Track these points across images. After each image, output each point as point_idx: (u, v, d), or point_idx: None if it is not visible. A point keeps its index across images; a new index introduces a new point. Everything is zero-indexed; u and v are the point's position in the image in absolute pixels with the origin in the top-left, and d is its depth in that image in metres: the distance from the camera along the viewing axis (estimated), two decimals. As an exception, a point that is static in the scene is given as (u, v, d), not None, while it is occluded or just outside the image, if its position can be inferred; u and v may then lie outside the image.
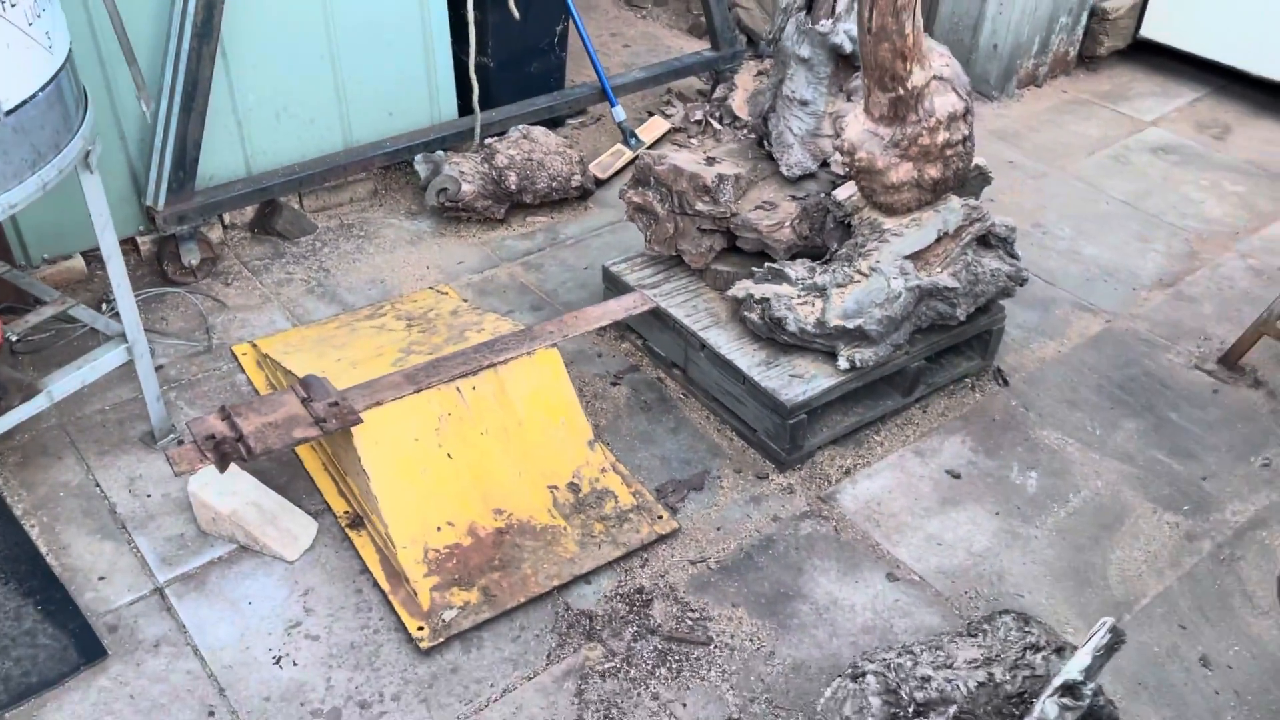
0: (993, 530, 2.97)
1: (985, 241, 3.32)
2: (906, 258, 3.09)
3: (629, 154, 4.49)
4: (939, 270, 3.14)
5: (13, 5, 2.19)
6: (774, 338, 3.15)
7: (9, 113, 2.22)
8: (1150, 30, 5.56)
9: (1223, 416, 3.38)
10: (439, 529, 2.73)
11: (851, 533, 2.95)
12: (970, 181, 3.29)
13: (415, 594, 2.64)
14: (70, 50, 2.50)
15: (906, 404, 3.35)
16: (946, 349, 3.42)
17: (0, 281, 3.13)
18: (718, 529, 2.95)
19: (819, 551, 2.89)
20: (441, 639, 2.57)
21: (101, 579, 2.71)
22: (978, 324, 3.38)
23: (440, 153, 4.15)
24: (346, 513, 2.89)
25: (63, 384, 2.77)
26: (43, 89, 2.31)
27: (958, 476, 3.14)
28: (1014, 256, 3.35)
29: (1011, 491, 3.10)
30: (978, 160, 3.28)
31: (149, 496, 2.93)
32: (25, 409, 2.69)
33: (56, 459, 3.04)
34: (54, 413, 3.14)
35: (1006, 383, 3.51)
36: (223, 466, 2.57)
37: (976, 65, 5.28)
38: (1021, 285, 3.36)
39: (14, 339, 2.81)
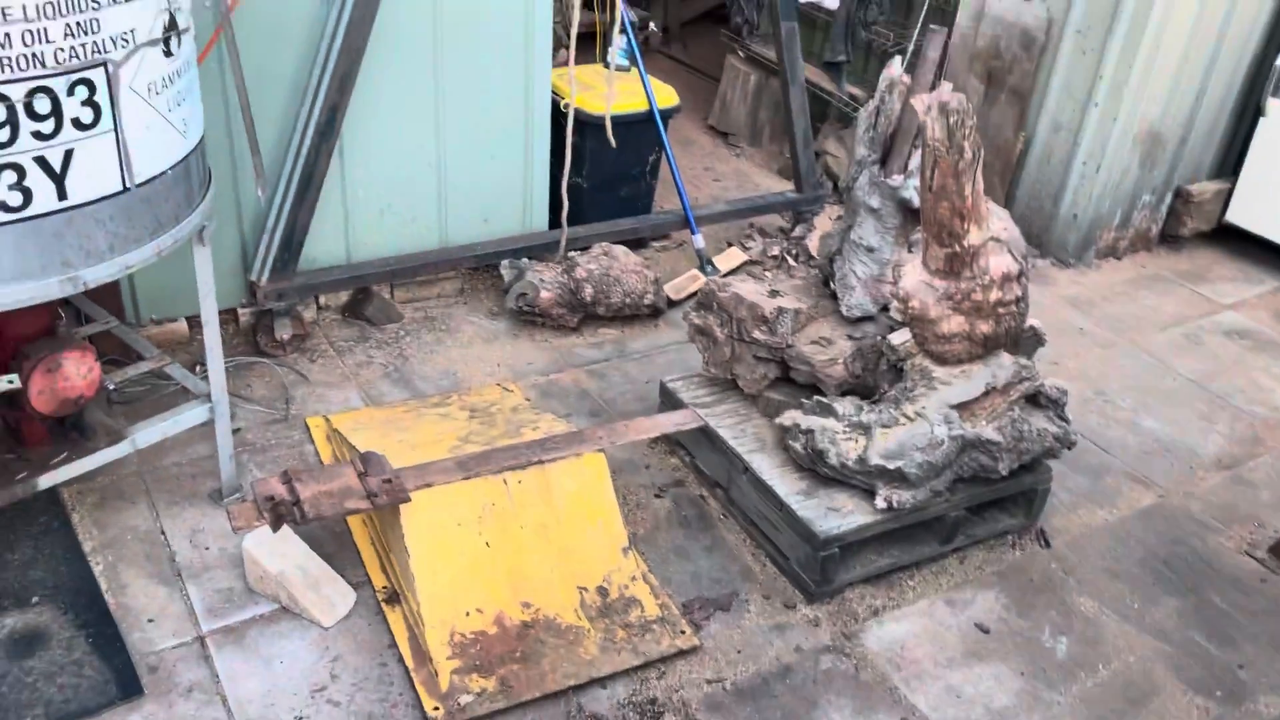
0: (1015, 690, 2.95)
1: (1036, 401, 3.38)
2: (953, 406, 3.17)
3: (703, 280, 4.68)
4: (984, 423, 3.21)
5: (157, 94, 2.50)
6: (815, 469, 3.24)
7: (139, 185, 2.50)
8: (1235, 216, 5.62)
9: (1267, 606, 3.31)
10: (468, 614, 2.84)
11: (871, 673, 2.96)
12: (1024, 341, 3.37)
13: (436, 674, 2.74)
14: (203, 137, 2.80)
15: (943, 552, 3.37)
16: (989, 503, 3.45)
17: (109, 335, 3.41)
18: (739, 651, 2.99)
19: (836, 688, 2.90)
20: (454, 721, 2.65)
21: (151, 621, 2.87)
22: (1022, 481, 3.41)
23: (525, 260, 4.40)
24: (385, 587, 3.02)
25: (146, 433, 3.00)
26: (172, 167, 2.60)
27: (987, 631, 3.14)
28: (1064, 419, 3.39)
29: (1040, 654, 3.08)
30: (1033, 322, 3.37)
31: (207, 549, 3.11)
32: (108, 453, 2.92)
33: (130, 504, 3.25)
34: (135, 460, 3.36)
35: (1049, 544, 3.50)
36: (276, 526, 2.74)
37: (1055, 232, 5.40)
38: (1069, 448, 3.40)
39: (111, 388, 3.05)
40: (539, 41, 4.28)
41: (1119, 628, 3.19)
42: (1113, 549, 3.52)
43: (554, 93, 4.45)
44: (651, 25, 7.14)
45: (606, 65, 4.89)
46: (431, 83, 4.08)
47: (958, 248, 3.03)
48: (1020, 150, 5.39)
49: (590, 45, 5.52)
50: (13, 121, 2.23)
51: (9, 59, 2.18)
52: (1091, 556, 3.47)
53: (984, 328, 3.14)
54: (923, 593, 3.26)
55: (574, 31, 4.47)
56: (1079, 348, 4.69)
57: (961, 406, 3.19)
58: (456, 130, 4.23)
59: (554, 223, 4.57)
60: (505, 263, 4.41)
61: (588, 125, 4.52)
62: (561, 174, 4.38)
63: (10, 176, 2.27)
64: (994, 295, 3.08)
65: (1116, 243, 5.54)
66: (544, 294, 4.28)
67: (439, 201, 4.34)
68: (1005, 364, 3.24)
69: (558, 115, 4.46)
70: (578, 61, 4.53)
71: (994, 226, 3.08)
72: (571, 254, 4.44)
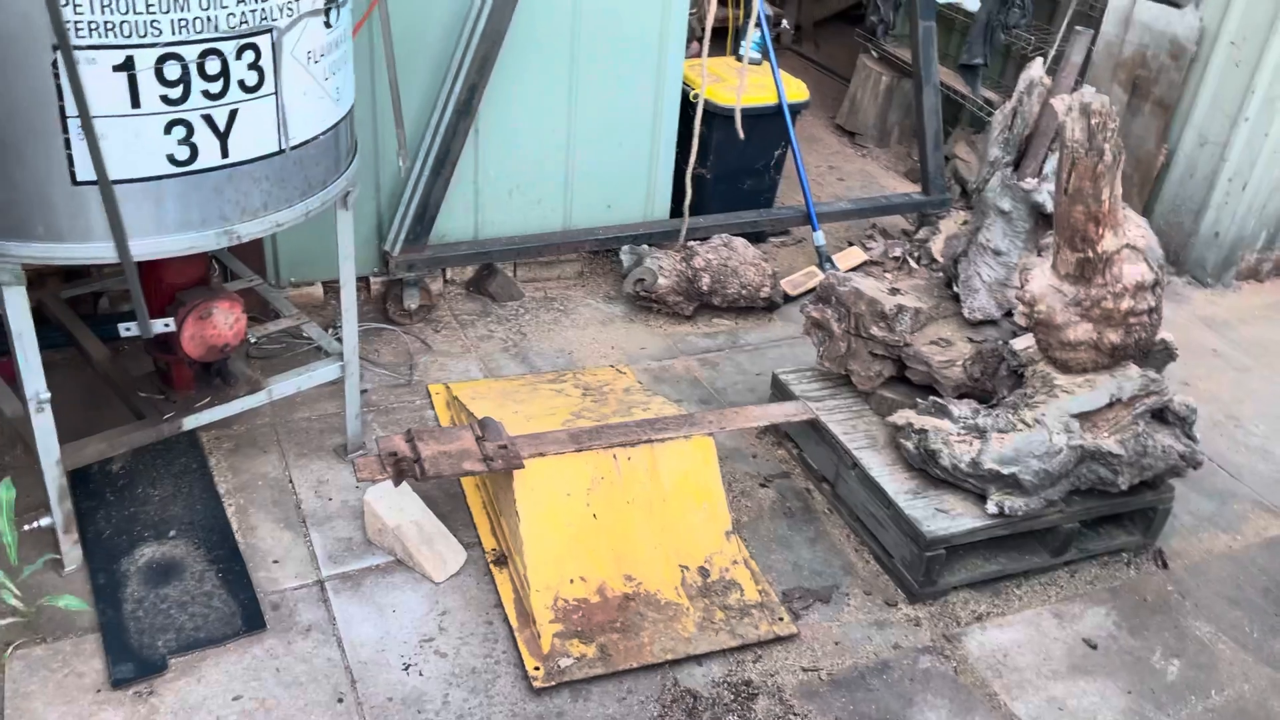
0: (1121, 708, 2.87)
1: (1162, 417, 3.28)
2: (1074, 416, 3.10)
3: (821, 277, 4.67)
4: (1106, 435, 3.13)
5: (315, 63, 2.63)
6: (926, 470, 3.21)
7: (294, 147, 2.65)
8: (1393, 242, 5.31)
9: (1403, 648, 3.15)
10: (571, 581, 2.91)
11: (971, 678, 2.92)
12: (1154, 355, 3.28)
13: (539, 636, 2.82)
14: (353, 106, 2.94)
15: (1054, 564, 3.30)
16: (1105, 518, 3.36)
17: (251, 292, 3.60)
18: (836, 643, 2.99)
19: (934, 688, 2.88)
20: (554, 683, 2.72)
21: (276, 562, 3.03)
22: (1142, 498, 3.31)
23: (645, 246, 4.47)
24: (494, 550, 3.12)
25: (282, 386, 3.16)
26: (324, 133, 2.74)
27: (1094, 647, 3.06)
28: (1191, 438, 3.28)
29: (1149, 674, 2.99)
30: (1164, 335, 3.27)
31: (330, 500, 3.26)
32: (248, 400, 3.09)
33: (262, 452, 3.43)
34: (269, 412, 3.55)
35: (1166, 565, 3.40)
36: (397, 481, 2.87)
37: (1194, 250, 5.20)
38: (1195, 468, 3.29)
39: (252, 341, 3.23)
40: (674, 32, 4.34)
41: (1235, 655, 3.07)
42: (1234, 576, 3.39)
43: (684, 83, 4.50)
44: (784, 22, 7.13)
45: (738, 58, 4.92)
46: (567, 68, 4.18)
47: (1090, 253, 2.96)
48: (1162, 163, 5.21)
49: (722, 39, 5.56)
50: (186, 80, 2.38)
51: (186, 20, 2.33)
52: (1211, 582, 3.35)
53: (1112, 337, 3.06)
54: (1029, 603, 3.20)
55: (709, 24, 4.50)
56: (1212, 369, 4.51)
57: (1083, 416, 3.12)
58: (587, 116, 4.31)
59: (675, 211, 4.62)
60: (625, 248, 4.48)
61: (716, 116, 4.56)
62: (686, 164, 4.43)
63: (180, 132, 2.42)
64: (1125, 304, 3.00)
65: (1260, 264, 5.30)
66: (662, 281, 4.34)
67: (565, 185, 4.44)
68: (1132, 376, 3.15)
69: (686, 106, 4.51)
70: (709, 54, 4.57)
71: (1130, 233, 3.00)
72: (691, 243, 4.48)
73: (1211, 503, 3.71)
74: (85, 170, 2.36)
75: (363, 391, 3.64)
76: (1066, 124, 2.84)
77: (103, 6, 2.24)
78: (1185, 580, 3.35)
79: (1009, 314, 3.48)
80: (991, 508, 3.10)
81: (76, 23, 2.23)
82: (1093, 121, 2.81)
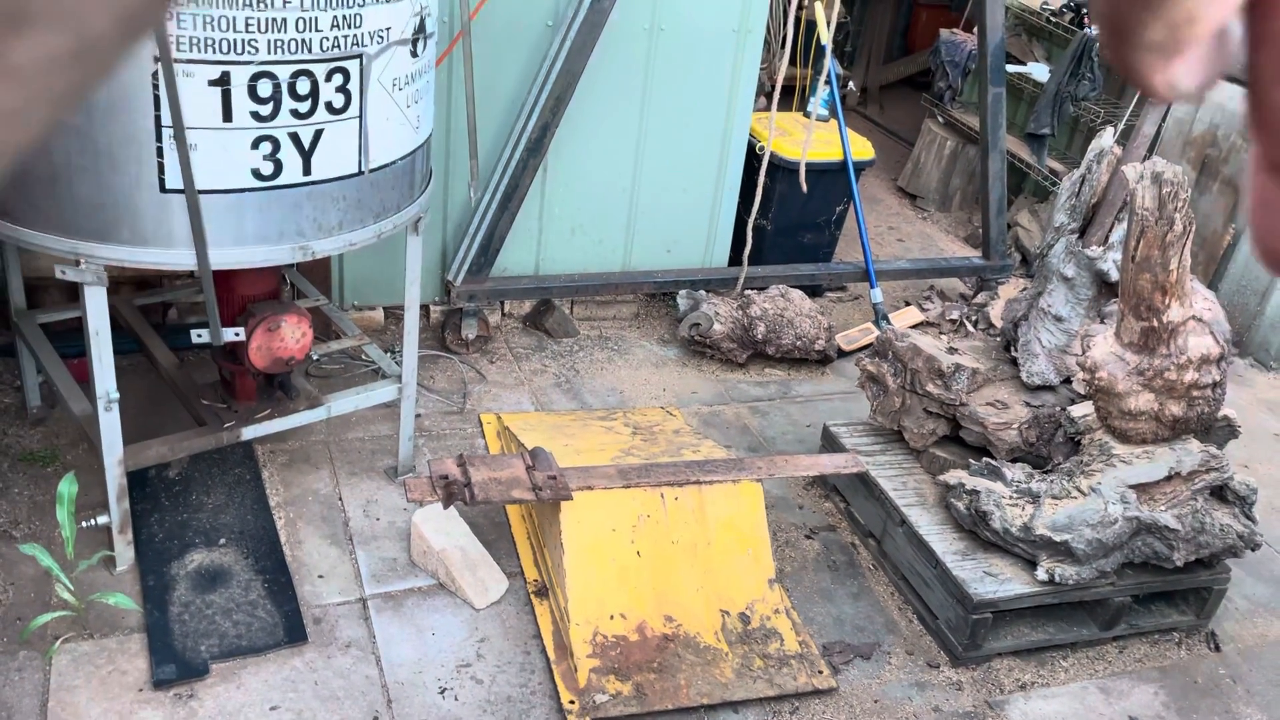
0: (1167, 791, 2.79)
1: (1221, 495, 3.21)
2: (1131, 487, 3.06)
3: (876, 334, 4.66)
4: (1162, 508, 3.07)
5: (399, 90, 2.72)
6: (976, 531, 3.17)
7: (372, 170, 2.72)
8: None
9: None
10: (611, 617, 2.90)
11: (1012, 747, 2.86)
12: (1216, 430, 3.22)
13: (575, 670, 2.81)
14: (430, 135, 3.02)
15: (1103, 638, 3.23)
16: (1158, 595, 3.29)
17: (317, 311, 3.68)
18: (875, 701, 2.94)
19: (973, 755, 2.82)
20: (588, 718, 2.70)
21: (320, 577, 3.06)
22: (1197, 577, 3.24)
23: (702, 292, 4.50)
24: (536, 581, 3.12)
25: (341, 403, 3.21)
26: (402, 158, 2.81)
27: (1141, 726, 2.98)
28: (1250, 518, 3.21)
29: (1198, 759, 2.90)
30: (1227, 411, 3.22)
31: (377, 520, 3.29)
32: (307, 415, 3.14)
33: (315, 469, 3.48)
34: (323, 429, 3.61)
35: (1218, 648, 3.30)
36: (447, 503, 2.89)
37: (1258, 333, 5.12)
38: (1253, 549, 3.21)
39: (315, 358, 3.29)
40: (744, 86, 4.40)
41: (1291, 748, 2.98)
42: (1291, 665, 3.29)
43: (750, 135, 4.56)
44: (850, 85, 7.20)
45: (806, 114, 4.97)
46: (637, 112, 4.26)
47: (1155, 323, 2.93)
48: (1228, 243, 5.15)
49: (789, 96, 5.62)
50: (277, 99, 2.47)
51: (282, 41, 2.42)
52: (1265, 669, 3.25)
53: (1174, 409, 3.02)
54: (1076, 675, 3.13)
55: (779, 80, 4.57)
56: (1273, 453, 4.42)
57: (1140, 488, 3.07)
58: (653, 161, 4.38)
59: (734, 260, 4.65)
60: (683, 292, 4.52)
61: (780, 169, 4.60)
62: (748, 213, 4.47)
63: (267, 148, 2.51)
64: (1189, 376, 2.96)
65: (1325, 351, 5.20)
66: (717, 327, 4.36)
67: (627, 227, 4.49)
68: (1192, 450, 3.10)
69: (750, 157, 4.56)
70: (777, 109, 4.62)
71: (1197, 305, 2.97)
72: (748, 292, 4.50)
73: (1268, 588, 3.61)
74: (174, 179, 2.44)
75: (416, 416, 3.68)
76: (1137, 191, 2.83)
77: (205, 23, 2.34)
78: (1238, 665, 3.26)
79: (1067, 380, 3.45)
80: (1042, 574, 3.05)
81: (179, 37, 2.33)
82: (1164, 191, 2.80)
